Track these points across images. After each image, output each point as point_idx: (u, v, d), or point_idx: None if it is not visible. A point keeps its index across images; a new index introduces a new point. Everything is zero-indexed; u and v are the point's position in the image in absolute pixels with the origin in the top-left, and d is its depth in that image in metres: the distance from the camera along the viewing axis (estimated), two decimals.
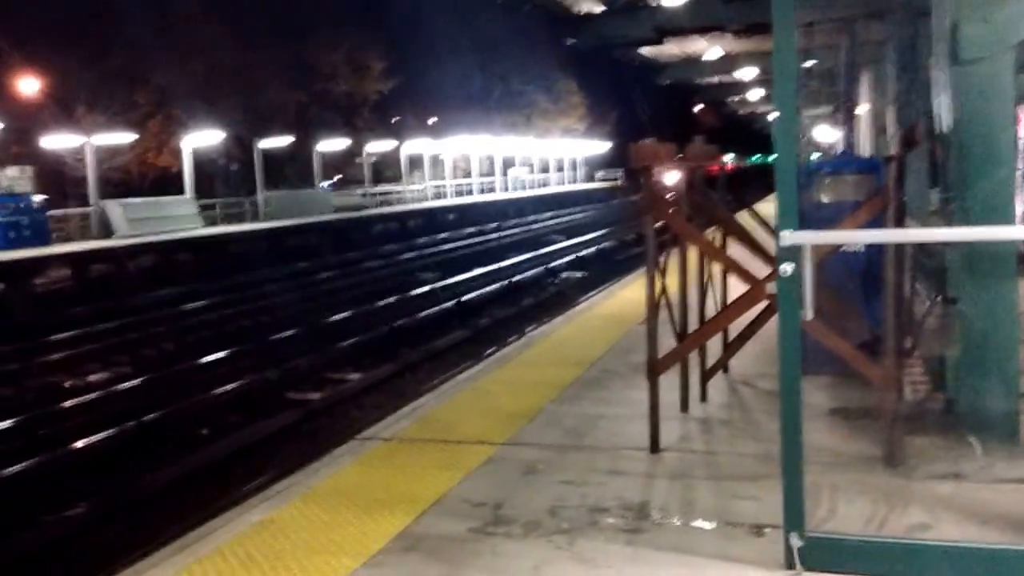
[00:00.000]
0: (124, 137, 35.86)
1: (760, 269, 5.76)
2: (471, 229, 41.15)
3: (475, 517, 4.63)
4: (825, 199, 7.02)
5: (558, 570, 4.01)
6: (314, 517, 4.75)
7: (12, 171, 27.84)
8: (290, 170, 47.37)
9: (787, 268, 3.77)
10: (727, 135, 56.73)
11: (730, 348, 6.95)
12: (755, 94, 58.67)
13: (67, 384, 14.15)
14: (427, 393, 7.59)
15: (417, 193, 51.59)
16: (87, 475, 9.62)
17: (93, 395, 12.83)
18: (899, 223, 5.32)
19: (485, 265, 25.84)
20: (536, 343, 9.35)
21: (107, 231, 29.20)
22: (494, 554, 4.19)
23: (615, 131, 76.73)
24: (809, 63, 34.24)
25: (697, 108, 77.20)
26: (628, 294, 12.42)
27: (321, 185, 43.98)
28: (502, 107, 69.42)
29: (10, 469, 9.49)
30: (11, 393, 13.45)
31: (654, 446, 5.54)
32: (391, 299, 20.39)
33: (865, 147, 29.07)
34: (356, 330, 16.66)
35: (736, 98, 66.33)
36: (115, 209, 29.87)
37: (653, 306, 5.55)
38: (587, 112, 76.01)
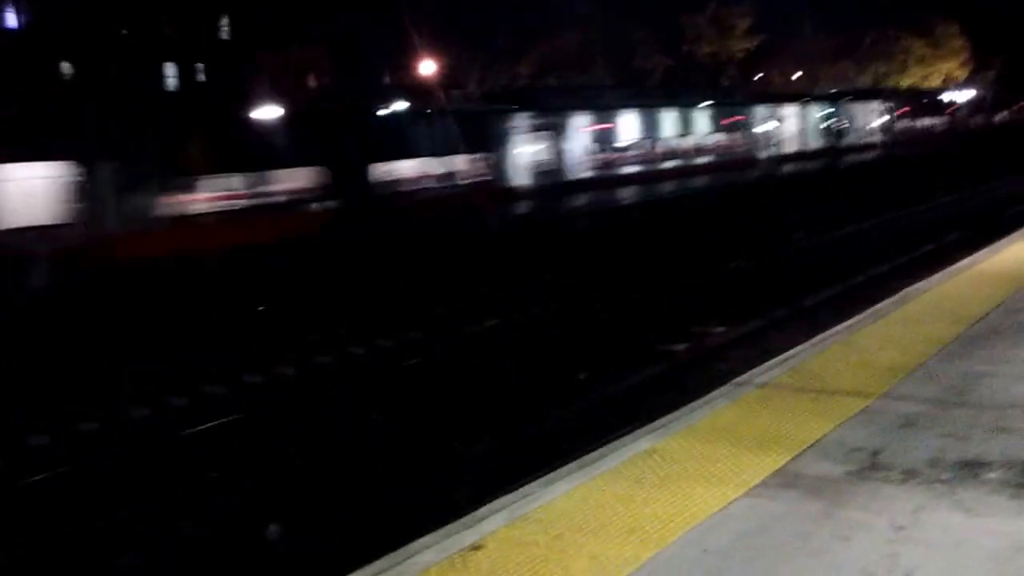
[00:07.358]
0: None
1: None
2: None
3: (852, 461, 4.77)
4: None
5: (939, 515, 4.08)
6: (694, 450, 5.10)
7: None
8: None
9: None
10: None
11: None
12: None
13: None
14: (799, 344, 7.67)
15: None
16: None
17: None
18: None
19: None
20: (912, 299, 9.10)
21: None
22: (873, 496, 4.32)
23: (998, 77, 70.30)
24: None
25: None
26: (1019, 251, 11.66)
27: None
28: (875, 56, 66.02)
29: None
30: None
31: None
32: None
33: None
34: None
35: None
36: None
37: None
38: (970, 58, 70.21)
